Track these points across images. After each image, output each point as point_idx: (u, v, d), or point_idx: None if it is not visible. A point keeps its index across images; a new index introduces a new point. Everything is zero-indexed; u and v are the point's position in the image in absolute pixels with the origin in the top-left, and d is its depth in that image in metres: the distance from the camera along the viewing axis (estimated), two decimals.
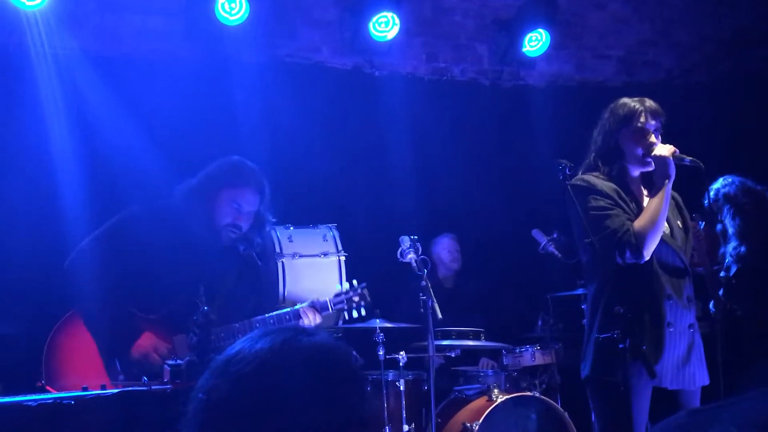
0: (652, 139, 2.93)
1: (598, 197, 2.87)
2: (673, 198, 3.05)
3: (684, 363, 2.86)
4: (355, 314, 3.57)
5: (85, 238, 3.21)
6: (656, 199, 2.84)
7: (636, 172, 3.00)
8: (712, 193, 4.52)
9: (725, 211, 4.42)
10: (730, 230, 4.34)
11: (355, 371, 1.24)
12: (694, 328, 2.92)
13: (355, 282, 3.59)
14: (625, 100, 3.01)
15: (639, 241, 2.78)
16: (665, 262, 2.90)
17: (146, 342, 3.13)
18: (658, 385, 2.82)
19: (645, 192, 3.00)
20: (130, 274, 3.09)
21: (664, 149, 2.87)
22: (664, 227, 2.92)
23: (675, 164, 2.85)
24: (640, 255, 2.80)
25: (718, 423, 0.92)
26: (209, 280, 3.19)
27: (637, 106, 2.97)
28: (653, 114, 2.96)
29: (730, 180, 4.49)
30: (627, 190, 2.95)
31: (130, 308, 3.13)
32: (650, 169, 2.93)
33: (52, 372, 3.10)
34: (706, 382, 2.94)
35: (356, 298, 3.52)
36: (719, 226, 4.43)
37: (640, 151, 2.92)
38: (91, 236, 3.21)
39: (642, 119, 2.94)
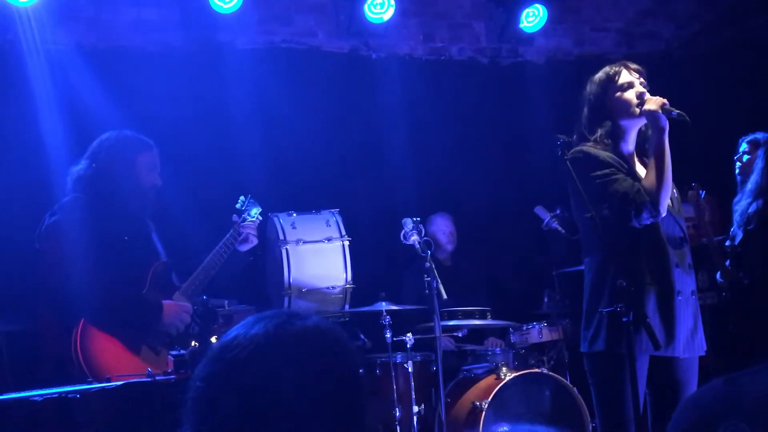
0: (640, 88, 2.86)
1: (599, 166, 2.82)
2: None
3: (694, 330, 2.86)
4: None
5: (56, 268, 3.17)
6: (656, 154, 2.79)
7: (630, 135, 2.92)
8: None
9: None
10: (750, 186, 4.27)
11: (348, 355, 1.23)
12: (695, 295, 2.92)
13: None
14: (601, 70, 2.97)
15: (653, 198, 2.75)
16: (667, 230, 2.87)
17: (170, 307, 3.24)
18: (671, 354, 2.81)
19: (637, 161, 2.96)
20: (110, 265, 3.13)
21: (652, 103, 2.80)
22: None
23: (666, 117, 2.79)
24: (657, 212, 2.76)
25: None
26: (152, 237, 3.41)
27: (615, 67, 2.92)
28: (635, 70, 2.92)
29: None
30: (621, 158, 2.90)
31: (132, 291, 3.20)
32: (644, 122, 2.87)
33: (96, 370, 3.04)
34: (705, 349, 2.95)
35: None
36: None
37: (631, 102, 2.84)
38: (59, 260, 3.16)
39: (625, 76, 2.89)
